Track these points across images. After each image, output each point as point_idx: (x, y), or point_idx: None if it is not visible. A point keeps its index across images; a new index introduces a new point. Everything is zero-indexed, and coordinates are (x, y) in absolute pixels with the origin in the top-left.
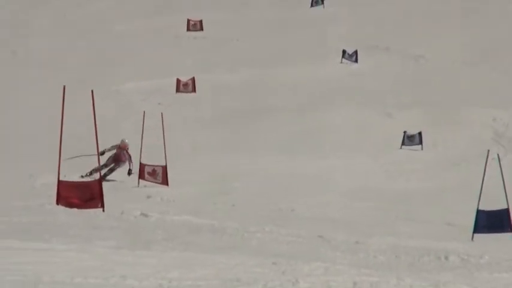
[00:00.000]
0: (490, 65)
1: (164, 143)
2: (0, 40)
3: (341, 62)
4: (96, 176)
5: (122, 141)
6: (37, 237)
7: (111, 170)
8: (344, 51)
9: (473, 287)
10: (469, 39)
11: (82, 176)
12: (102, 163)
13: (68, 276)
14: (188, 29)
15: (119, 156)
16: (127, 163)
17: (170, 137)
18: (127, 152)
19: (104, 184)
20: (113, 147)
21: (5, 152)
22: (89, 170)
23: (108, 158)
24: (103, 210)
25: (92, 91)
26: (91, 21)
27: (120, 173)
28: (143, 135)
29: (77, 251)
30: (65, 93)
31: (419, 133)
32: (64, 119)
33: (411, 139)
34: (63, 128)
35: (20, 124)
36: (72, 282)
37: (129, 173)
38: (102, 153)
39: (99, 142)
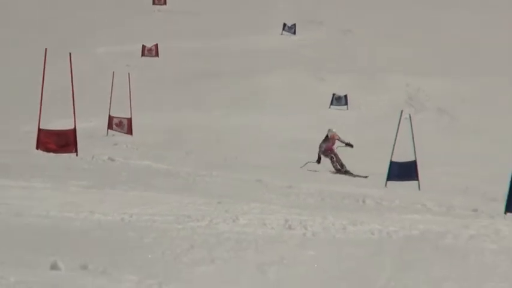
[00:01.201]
0: (406, 39)
1: (130, 98)
2: None
3: (281, 34)
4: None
5: (329, 130)
6: (18, 177)
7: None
8: (284, 25)
9: (384, 226)
10: (391, 16)
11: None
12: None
13: (45, 210)
14: (154, 3)
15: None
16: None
17: (135, 94)
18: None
19: (78, 132)
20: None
21: None
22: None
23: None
24: (76, 155)
25: (70, 53)
26: None
27: (91, 126)
28: (112, 91)
29: (52, 189)
30: (47, 54)
31: (346, 95)
32: (45, 77)
33: (339, 100)
34: (44, 84)
35: (6, 79)
36: (48, 215)
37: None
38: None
39: (75, 96)
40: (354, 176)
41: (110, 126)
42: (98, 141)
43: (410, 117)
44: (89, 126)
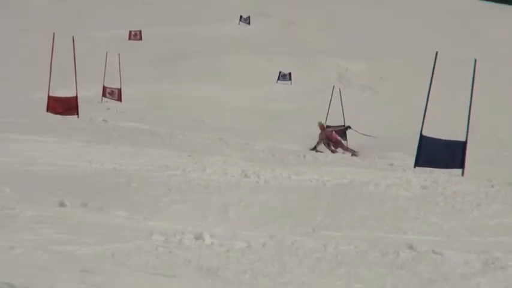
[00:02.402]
0: (337, 29)
1: (120, 73)
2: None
3: (238, 24)
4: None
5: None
6: (32, 133)
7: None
8: (241, 16)
9: (320, 176)
10: (326, 10)
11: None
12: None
13: (54, 159)
14: None
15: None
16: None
17: (124, 69)
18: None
19: (79, 99)
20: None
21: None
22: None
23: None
24: (78, 117)
25: (73, 37)
26: None
27: (89, 95)
28: (105, 67)
29: (59, 143)
30: (53, 40)
31: (290, 73)
32: (53, 55)
33: (284, 77)
34: (52, 61)
35: (22, 58)
36: (56, 164)
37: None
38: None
39: (76, 70)
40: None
41: (103, 95)
42: (94, 107)
43: (340, 91)
44: (87, 95)
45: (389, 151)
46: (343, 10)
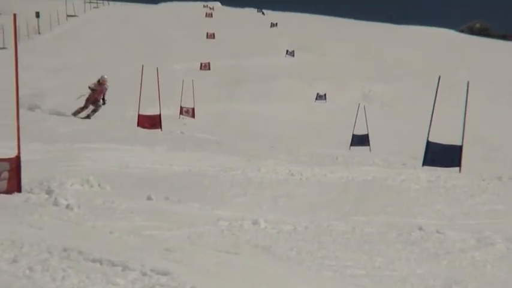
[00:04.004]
0: (362, 59)
1: (193, 96)
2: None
3: (285, 56)
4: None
5: (102, 77)
6: (127, 143)
7: (94, 111)
8: (287, 51)
9: (349, 173)
10: (351, 44)
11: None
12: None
13: (143, 163)
14: (207, 37)
15: (99, 93)
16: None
17: (196, 93)
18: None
19: (162, 116)
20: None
21: (111, 100)
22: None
23: (87, 100)
24: (161, 130)
25: (157, 68)
26: (155, 27)
27: (169, 113)
28: (182, 91)
29: (147, 151)
30: (142, 71)
31: (325, 94)
32: (142, 82)
33: (321, 97)
34: (142, 87)
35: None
36: (144, 166)
37: (104, 103)
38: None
39: (160, 94)
40: None
41: (181, 113)
42: (173, 122)
43: (364, 108)
44: (168, 113)
45: (402, 154)
46: (366, 44)
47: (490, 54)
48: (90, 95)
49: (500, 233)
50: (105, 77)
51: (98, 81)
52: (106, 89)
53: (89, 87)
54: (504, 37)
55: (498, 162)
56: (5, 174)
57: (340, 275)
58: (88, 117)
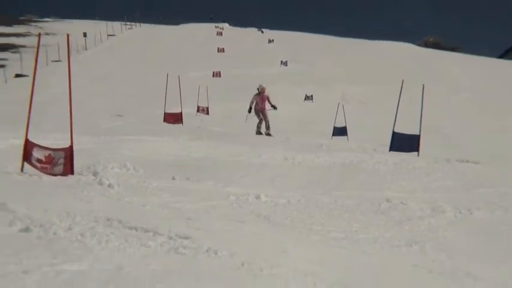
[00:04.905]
0: (342, 66)
1: (207, 97)
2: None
3: (280, 66)
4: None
5: (260, 86)
6: (156, 135)
7: (268, 128)
8: (281, 61)
9: (331, 158)
10: (335, 55)
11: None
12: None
13: (168, 151)
14: (218, 51)
15: (262, 102)
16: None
17: (210, 95)
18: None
19: (183, 114)
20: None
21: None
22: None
23: (257, 115)
24: (182, 125)
25: (179, 76)
26: (177, 44)
27: (189, 111)
28: (198, 94)
29: (171, 141)
30: (167, 78)
31: (312, 95)
32: (167, 87)
33: (308, 97)
34: (167, 91)
35: (147, 88)
36: (170, 153)
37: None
38: (250, 110)
39: (182, 97)
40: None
41: (197, 111)
42: (192, 118)
43: (343, 107)
44: (187, 111)
45: (373, 141)
46: (346, 55)
47: (442, 63)
48: (256, 109)
49: (450, 203)
50: (263, 85)
51: (258, 90)
52: (267, 97)
53: (250, 106)
54: (453, 49)
55: (450, 148)
56: (61, 161)
57: (325, 238)
58: (269, 134)
